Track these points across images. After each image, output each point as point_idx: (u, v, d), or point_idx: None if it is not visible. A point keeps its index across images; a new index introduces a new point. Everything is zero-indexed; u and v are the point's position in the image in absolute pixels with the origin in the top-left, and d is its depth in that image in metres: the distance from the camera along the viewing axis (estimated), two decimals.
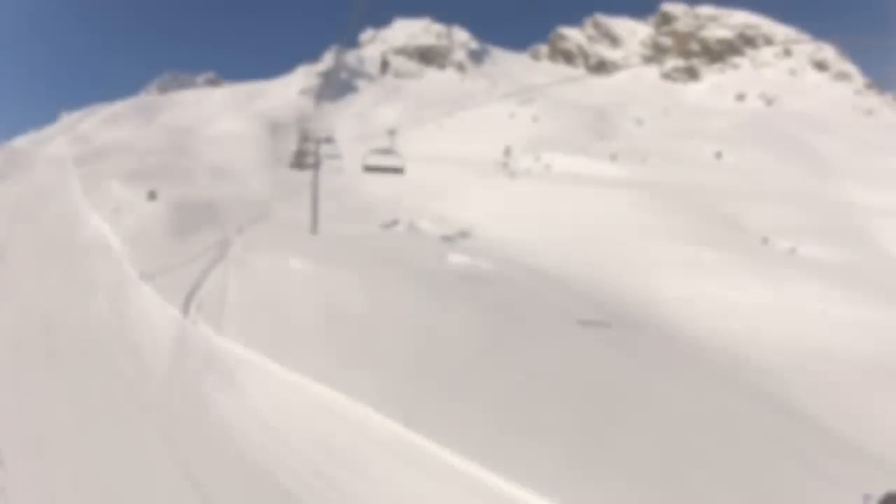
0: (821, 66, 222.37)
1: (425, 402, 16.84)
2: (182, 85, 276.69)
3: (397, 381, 18.07)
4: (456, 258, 37.37)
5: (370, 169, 27.05)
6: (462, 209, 60.77)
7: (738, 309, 35.02)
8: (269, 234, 43.25)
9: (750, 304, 35.59)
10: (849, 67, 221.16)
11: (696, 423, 17.10)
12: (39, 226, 42.85)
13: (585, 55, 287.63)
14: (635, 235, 47.92)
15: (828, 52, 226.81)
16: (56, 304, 27.18)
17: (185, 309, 25.48)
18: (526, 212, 55.97)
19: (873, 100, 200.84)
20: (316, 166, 47.13)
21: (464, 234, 50.12)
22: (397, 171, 27.29)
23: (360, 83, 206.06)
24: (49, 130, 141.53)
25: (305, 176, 70.46)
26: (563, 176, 69.84)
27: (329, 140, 45.84)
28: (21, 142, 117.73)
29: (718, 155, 79.02)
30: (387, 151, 26.12)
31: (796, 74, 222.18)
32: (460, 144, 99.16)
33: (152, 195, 50.33)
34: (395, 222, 54.87)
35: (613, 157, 75.16)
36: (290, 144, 65.01)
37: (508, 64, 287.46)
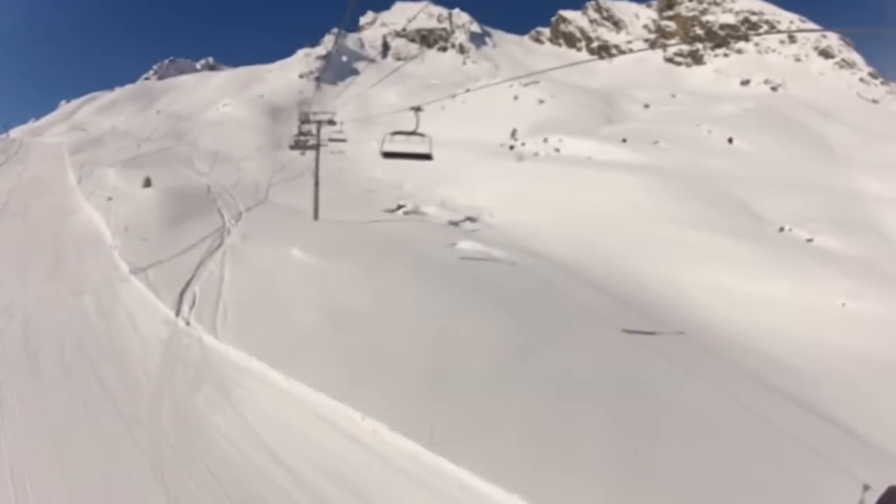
0: (826, 53, 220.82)
1: (446, 418, 14.98)
2: (181, 71, 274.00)
3: (413, 394, 16.32)
4: (466, 246, 35.82)
5: (390, 156, 21.83)
6: (468, 194, 58.70)
7: (760, 302, 33.25)
8: (268, 222, 41.45)
9: (771, 298, 33.75)
10: (854, 56, 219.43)
11: (738, 439, 16.00)
12: (30, 218, 40.95)
13: (588, 38, 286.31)
14: (651, 222, 45.83)
15: (832, 39, 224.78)
16: (39, 305, 25.00)
17: (177, 308, 23.49)
18: (535, 196, 53.84)
19: (878, 88, 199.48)
20: (317, 149, 45.10)
21: (471, 220, 48.19)
22: (424, 157, 22.19)
23: (361, 66, 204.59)
24: (47, 119, 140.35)
25: (306, 160, 68.70)
26: (573, 159, 67.37)
27: (331, 122, 43.69)
28: (18, 132, 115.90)
29: (730, 140, 76.96)
30: (411, 134, 20.69)
31: (801, 61, 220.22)
32: (464, 127, 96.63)
33: (147, 183, 48.43)
34: (399, 207, 52.90)
35: (624, 141, 73.15)
36: (290, 128, 63.18)
37: (510, 47, 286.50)
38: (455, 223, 47.35)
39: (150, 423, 15.74)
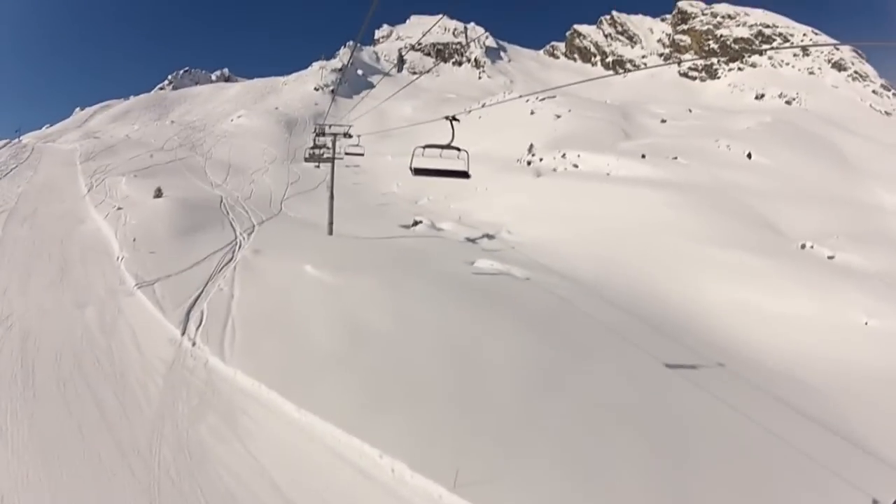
0: (839, 66, 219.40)
1: (472, 455, 13.95)
2: (196, 81, 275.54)
3: (436, 426, 15.20)
4: (485, 264, 34.92)
5: (421, 173, 18.50)
6: (486, 209, 57.82)
7: (786, 321, 32.53)
8: (281, 236, 40.13)
9: (796, 317, 33.05)
10: (867, 68, 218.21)
11: (775, 472, 15.77)
12: (37, 224, 39.42)
13: (602, 53, 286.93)
14: (673, 238, 44.93)
15: (845, 52, 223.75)
16: (40, 315, 23.62)
17: (183, 326, 22.20)
18: (554, 212, 52.81)
19: (891, 100, 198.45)
20: (332, 161, 44.08)
21: (489, 237, 47.09)
22: (460, 175, 18.45)
23: (376, 79, 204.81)
24: (61, 126, 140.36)
25: (321, 172, 67.95)
26: (592, 175, 66.53)
27: (347, 134, 42.68)
28: (31, 137, 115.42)
29: (749, 155, 75.81)
30: (445, 147, 17.78)
31: (814, 74, 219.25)
32: (480, 141, 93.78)
33: (158, 193, 47.36)
34: (416, 223, 51.72)
35: (643, 157, 72.08)
36: (305, 141, 62.86)
37: (525, 61, 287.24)
38: (473, 240, 46.27)
39: (149, 454, 14.49)
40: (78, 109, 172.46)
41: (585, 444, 15.11)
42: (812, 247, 46.56)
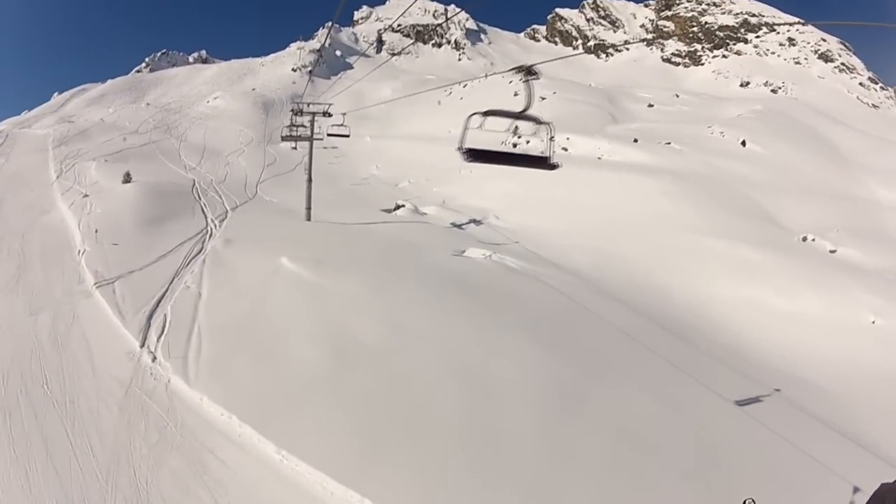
0: (825, 57, 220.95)
1: None
2: (173, 63, 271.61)
3: (443, 470, 13.03)
4: (476, 254, 33.10)
5: (479, 158, 12.36)
6: (471, 194, 55.86)
7: (791, 319, 31.53)
8: (255, 223, 37.89)
9: (802, 315, 32.06)
10: (854, 60, 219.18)
11: (806, 491, 15.10)
12: (1, 218, 36.81)
13: (584, 37, 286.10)
14: (672, 229, 43.33)
15: (832, 43, 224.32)
16: None
17: (143, 335, 19.62)
18: (545, 198, 50.91)
19: (878, 93, 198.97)
20: (311, 143, 41.79)
21: (476, 222, 45.08)
22: (541, 165, 12.90)
23: (354, 61, 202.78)
24: (38, 111, 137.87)
25: (298, 154, 65.80)
26: (583, 159, 64.32)
27: (326, 114, 40.20)
28: (6, 123, 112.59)
29: (743, 143, 74.19)
30: (519, 117, 11.91)
31: (801, 64, 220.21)
32: (460, 124, 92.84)
33: (127, 178, 44.85)
34: (398, 207, 49.61)
35: (635, 141, 70.18)
36: (283, 122, 60.49)
37: (505, 44, 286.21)
38: (459, 226, 44.39)
39: None
40: (56, 94, 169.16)
41: (619, 484, 13.25)
42: (814, 240, 45.40)
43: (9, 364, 18.20)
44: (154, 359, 18.35)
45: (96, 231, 30.65)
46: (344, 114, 40.02)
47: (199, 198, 43.88)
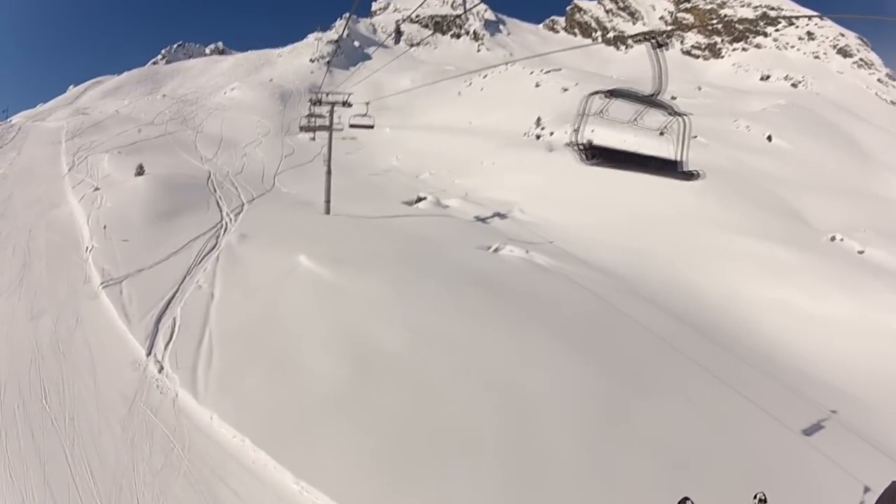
0: (844, 52, 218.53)
1: None
2: (190, 55, 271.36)
3: None
4: (504, 250, 31.57)
5: (603, 159, 10.65)
6: (495, 186, 54.34)
7: (820, 322, 30.10)
8: (273, 216, 36.67)
9: (834, 319, 30.49)
10: (872, 56, 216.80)
11: None
12: (9, 215, 35.39)
13: (603, 28, 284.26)
14: (701, 226, 41.95)
15: (850, 39, 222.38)
16: None
17: (150, 342, 18.18)
18: (570, 192, 49.49)
19: (895, 90, 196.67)
20: (330, 133, 40.95)
21: (501, 216, 43.64)
22: (666, 170, 11.12)
23: (373, 51, 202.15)
24: (53, 103, 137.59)
25: (316, 145, 64.78)
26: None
27: (346, 103, 38.64)
28: (20, 117, 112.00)
29: (769, 138, 72.45)
30: (648, 103, 10.06)
31: (820, 59, 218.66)
32: (483, 114, 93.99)
33: (140, 170, 43.57)
34: (419, 199, 48.40)
35: (661, 134, 68.19)
36: (300, 113, 59.38)
37: (524, 35, 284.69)
38: (483, 220, 42.91)
39: None
40: (72, 87, 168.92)
41: None
42: (842, 240, 43.95)
43: (6, 375, 16.86)
44: (161, 369, 16.91)
45: (105, 227, 29.30)
46: (367, 103, 37.99)
47: (215, 190, 42.66)
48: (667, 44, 7.86)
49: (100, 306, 21.28)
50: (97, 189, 38.66)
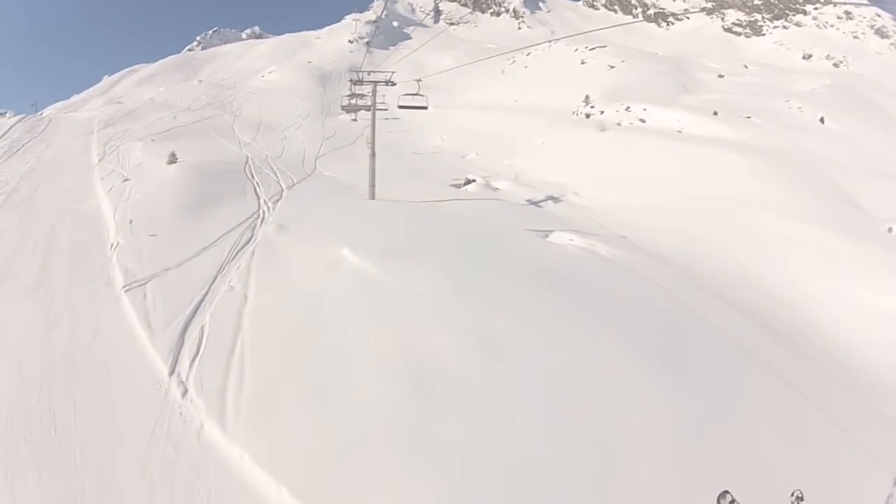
0: (881, 33, 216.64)
1: None
2: (226, 41, 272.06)
3: None
4: (562, 238, 29.26)
5: None
6: (546, 167, 52.17)
7: (882, 318, 27.53)
8: (314, 202, 34.41)
9: (892, 315, 27.76)
10: None
11: None
12: (31, 211, 32.96)
13: (644, 5, 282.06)
14: (756, 210, 39.48)
15: (887, 20, 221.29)
16: None
17: (174, 358, 15.61)
18: (624, 174, 47.34)
19: None
20: (373, 114, 38.89)
21: (554, 199, 41.43)
22: None
23: (412, 31, 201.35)
24: (87, 94, 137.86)
25: (358, 126, 63.38)
26: (662, 132, 60.27)
27: (390, 82, 36.18)
28: (52, 109, 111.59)
29: (822, 120, 69.21)
30: None
31: (858, 39, 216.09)
32: (528, 93, 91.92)
33: (173, 158, 41.53)
34: (468, 182, 46.43)
35: (715, 114, 65.47)
36: (340, 94, 57.56)
37: (564, 12, 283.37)
38: (536, 203, 40.74)
39: None
40: (106, 76, 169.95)
41: None
42: None
43: (14, 400, 14.37)
44: (185, 392, 14.33)
45: (131, 221, 27.00)
46: (419, 80, 35.63)
47: (252, 176, 40.67)
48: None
49: (121, 313, 18.81)
50: (126, 180, 36.70)
